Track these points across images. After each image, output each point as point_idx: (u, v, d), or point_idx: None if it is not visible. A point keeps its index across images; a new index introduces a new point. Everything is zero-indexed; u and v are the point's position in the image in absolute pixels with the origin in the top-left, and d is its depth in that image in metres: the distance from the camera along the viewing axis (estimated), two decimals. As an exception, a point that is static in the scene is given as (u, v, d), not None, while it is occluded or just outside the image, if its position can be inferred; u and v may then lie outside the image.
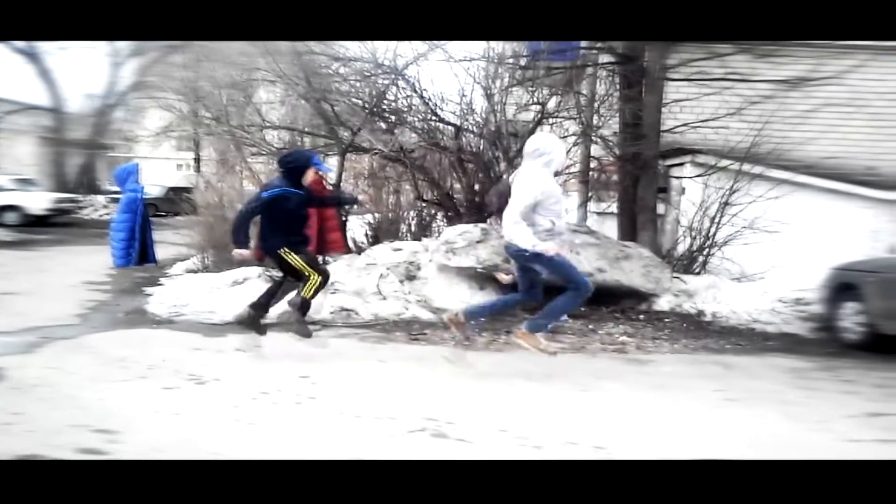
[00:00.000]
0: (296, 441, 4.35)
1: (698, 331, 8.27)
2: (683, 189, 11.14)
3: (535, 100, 10.74)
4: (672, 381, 6.06)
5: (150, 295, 9.48)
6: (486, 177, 10.50)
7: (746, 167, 10.16)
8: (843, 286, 7.93)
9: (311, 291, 6.51)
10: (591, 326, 8.05)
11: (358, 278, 8.91)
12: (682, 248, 10.35)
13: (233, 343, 6.94)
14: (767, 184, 10.33)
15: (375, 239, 11.08)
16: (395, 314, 8.32)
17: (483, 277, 8.86)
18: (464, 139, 10.70)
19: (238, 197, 12.22)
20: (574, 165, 11.58)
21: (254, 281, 8.96)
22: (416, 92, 10.57)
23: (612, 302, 8.91)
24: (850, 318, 7.74)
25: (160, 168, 37.24)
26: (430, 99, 10.57)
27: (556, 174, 6.02)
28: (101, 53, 30.05)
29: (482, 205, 10.51)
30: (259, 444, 4.26)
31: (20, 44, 28.39)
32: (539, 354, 5.96)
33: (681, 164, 11.47)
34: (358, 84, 10.92)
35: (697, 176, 10.77)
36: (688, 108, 10.82)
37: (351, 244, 10.98)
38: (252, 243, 6.84)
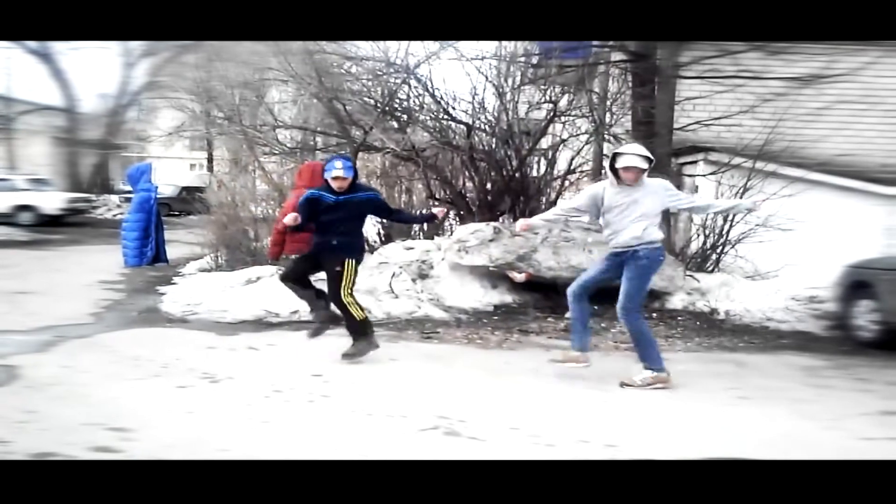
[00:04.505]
0: (308, 439, 4.36)
1: (711, 329, 8.24)
2: (696, 187, 11.10)
3: (547, 98, 10.73)
4: (685, 380, 6.03)
5: (163, 294, 9.51)
6: (499, 175, 10.49)
7: (759, 165, 10.11)
8: (857, 284, 7.89)
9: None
10: (603, 325, 8.02)
11: (370, 277, 8.92)
12: (695, 245, 10.31)
13: (246, 342, 6.97)
14: (781, 181, 10.25)
15: (388, 238, 11.10)
16: (407, 313, 8.33)
17: (495, 276, 8.88)
18: (476, 138, 10.69)
19: (251, 196, 12.31)
20: (586, 164, 11.55)
21: (267, 280, 8.98)
22: (427, 91, 10.57)
23: (625, 300, 8.88)
24: (864, 316, 7.70)
25: (173, 168, 37.44)
26: (441, 98, 10.58)
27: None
28: (114, 54, 30.35)
29: (494, 203, 10.50)
30: (272, 442, 4.27)
31: (33, 44, 28.66)
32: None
33: (694, 162, 11.43)
34: (370, 83, 10.94)
35: (710, 174, 10.73)
36: (700, 105, 10.80)
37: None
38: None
